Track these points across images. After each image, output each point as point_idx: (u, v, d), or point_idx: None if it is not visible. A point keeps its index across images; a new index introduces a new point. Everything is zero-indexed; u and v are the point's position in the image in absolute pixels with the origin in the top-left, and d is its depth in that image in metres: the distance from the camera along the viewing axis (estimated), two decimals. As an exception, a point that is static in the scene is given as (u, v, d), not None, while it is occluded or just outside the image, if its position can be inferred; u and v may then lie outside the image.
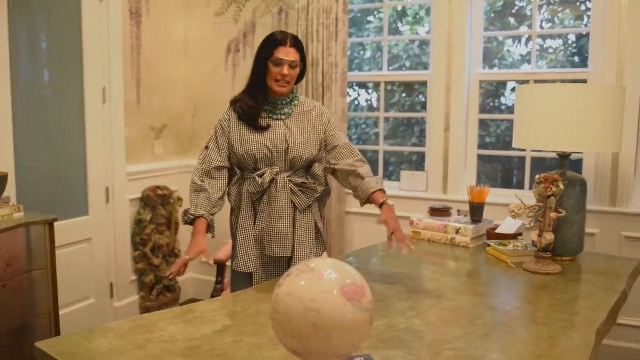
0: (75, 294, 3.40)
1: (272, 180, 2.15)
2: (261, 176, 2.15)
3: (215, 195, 2.15)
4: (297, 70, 2.17)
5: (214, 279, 2.99)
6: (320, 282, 1.10)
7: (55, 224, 3.15)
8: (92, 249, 3.50)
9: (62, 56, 3.31)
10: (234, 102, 2.23)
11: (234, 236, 2.27)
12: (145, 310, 3.84)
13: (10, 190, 2.93)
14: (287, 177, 2.17)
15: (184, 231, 4.20)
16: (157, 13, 3.90)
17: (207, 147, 2.24)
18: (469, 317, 1.74)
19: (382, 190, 2.17)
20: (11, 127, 2.96)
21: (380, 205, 2.14)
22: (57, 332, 2.58)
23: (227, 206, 2.26)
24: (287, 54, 2.13)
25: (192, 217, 2.10)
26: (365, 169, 2.22)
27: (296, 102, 2.25)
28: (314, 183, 2.23)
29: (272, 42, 2.15)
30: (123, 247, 3.71)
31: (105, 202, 3.58)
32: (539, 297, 1.94)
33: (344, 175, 2.23)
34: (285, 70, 2.12)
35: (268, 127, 2.17)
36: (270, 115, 2.20)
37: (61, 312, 3.26)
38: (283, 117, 2.21)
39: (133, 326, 1.65)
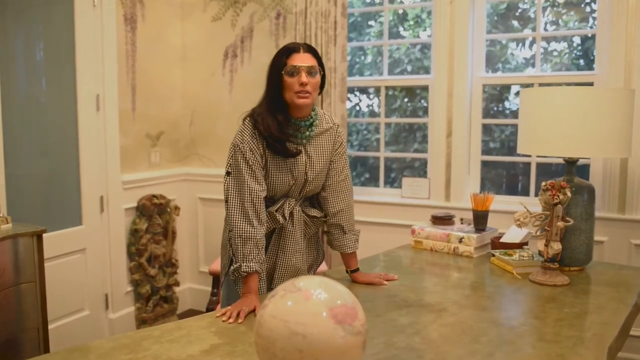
0: (68, 306, 3.32)
1: (290, 214, 2.00)
2: (277, 210, 1.98)
3: (263, 239, 1.91)
4: (317, 78, 1.90)
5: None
6: (307, 303, 1.01)
7: (48, 234, 3.07)
8: (86, 259, 3.41)
9: (55, 63, 3.25)
10: (254, 122, 1.91)
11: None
12: (141, 321, 3.75)
13: (0, 200, 2.86)
14: (301, 209, 2.04)
15: (181, 241, 4.11)
16: (153, 18, 3.83)
17: (228, 173, 1.92)
18: (472, 333, 1.64)
19: (354, 252, 2.14)
20: (1, 135, 2.88)
21: (354, 270, 2.13)
22: (46, 347, 2.50)
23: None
24: (302, 59, 1.87)
25: (245, 273, 1.85)
26: (349, 218, 2.11)
27: (316, 121, 2.00)
28: (325, 216, 2.11)
29: (284, 52, 1.90)
30: (118, 258, 3.62)
31: (100, 212, 3.49)
32: (547, 311, 1.84)
33: (330, 216, 2.10)
34: (304, 77, 1.85)
35: (297, 153, 1.94)
36: (292, 139, 1.95)
37: (54, 325, 3.19)
38: (304, 142, 1.98)
39: (116, 345, 1.56)
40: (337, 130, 2.08)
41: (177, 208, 3.97)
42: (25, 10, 3.07)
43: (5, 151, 2.92)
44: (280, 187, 1.97)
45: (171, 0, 4.00)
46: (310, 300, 1.01)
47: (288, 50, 1.90)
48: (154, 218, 3.79)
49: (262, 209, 1.91)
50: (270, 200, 2.00)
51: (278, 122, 1.90)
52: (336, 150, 2.07)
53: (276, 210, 1.97)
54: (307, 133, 1.97)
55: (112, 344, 1.58)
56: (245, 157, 1.89)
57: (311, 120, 1.98)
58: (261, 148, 1.91)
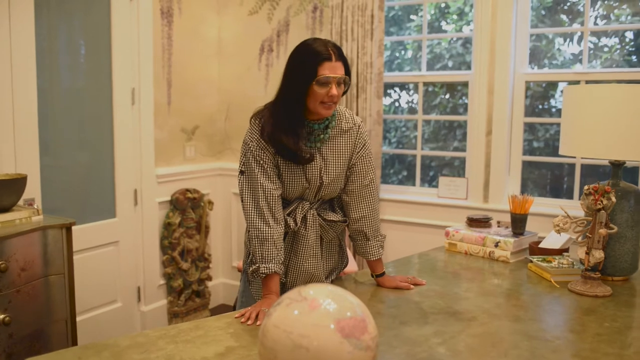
0: (101, 297, 3.35)
1: (303, 218, 1.90)
2: (289, 214, 1.88)
3: (281, 238, 1.83)
4: (343, 88, 1.78)
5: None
6: (312, 314, 0.94)
7: (82, 225, 3.12)
8: (119, 252, 3.44)
9: (91, 56, 3.27)
10: (262, 128, 1.81)
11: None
12: (173, 315, 3.76)
13: (36, 192, 2.90)
14: (317, 212, 1.93)
15: (214, 235, 4.11)
16: (189, 12, 3.82)
17: (242, 172, 1.85)
18: (502, 346, 1.54)
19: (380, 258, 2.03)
20: (37, 127, 2.92)
21: (379, 275, 2.02)
22: (74, 339, 2.51)
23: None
24: (334, 70, 1.72)
25: (264, 274, 1.80)
26: (373, 225, 1.98)
27: (333, 122, 1.87)
28: (344, 220, 2.00)
29: (315, 57, 1.72)
30: (151, 251, 3.64)
31: (134, 205, 3.51)
32: (585, 324, 1.72)
33: (352, 222, 1.98)
34: (334, 90, 1.72)
35: (309, 160, 1.82)
36: (305, 142, 1.83)
37: (86, 315, 3.22)
38: (319, 145, 1.86)
39: (131, 344, 1.53)
40: (358, 131, 1.94)
41: (210, 202, 3.97)
42: (66, 2, 3.10)
43: (43, 143, 2.96)
44: (294, 190, 1.88)
45: (208, -6, 3.99)
46: (316, 311, 0.94)
47: (319, 57, 1.72)
48: (187, 212, 3.80)
49: (278, 207, 1.83)
50: (284, 202, 1.91)
51: (296, 134, 1.78)
52: (357, 152, 1.93)
53: (288, 214, 1.89)
54: (321, 136, 1.86)
55: (128, 341, 1.55)
56: (256, 156, 1.82)
57: (326, 122, 1.84)
58: (272, 147, 1.82)
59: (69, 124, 3.17)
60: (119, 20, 3.32)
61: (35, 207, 2.54)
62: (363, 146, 1.94)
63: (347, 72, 1.80)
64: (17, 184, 2.42)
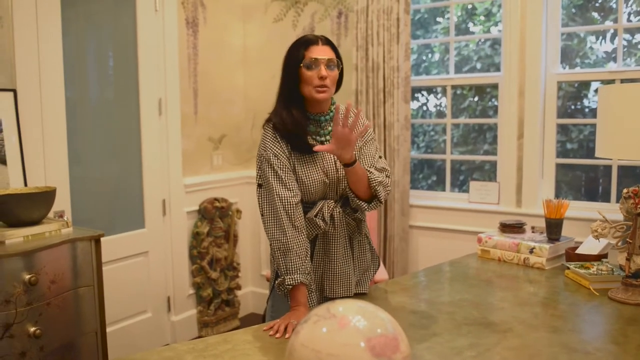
0: (131, 308, 3.36)
1: (330, 217, 1.88)
2: (317, 214, 1.85)
3: (303, 247, 1.80)
4: (336, 72, 1.82)
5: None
6: (341, 333, 0.90)
7: (111, 236, 3.14)
8: (149, 262, 3.45)
9: (118, 67, 3.29)
10: (273, 125, 1.84)
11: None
12: (203, 324, 3.76)
13: (65, 204, 2.92)
14: (342, 210, 1.90)
15: (243, 244, 4.09)
16: (214, 21, 3.83)
17: (260, 185, 1.85)
18: (540, 359, 1.48)
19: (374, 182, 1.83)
20: (65, 139, 2.94)
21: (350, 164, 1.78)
22: (104, 351, 2.51)
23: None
24: (321, 52, 1.78)
25: (290, 286, 1.77)
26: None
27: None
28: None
29: (301, 43, 1.81)
30: (180, 261, 3.64)
31: (162, 215, 3.52)
32: (627, 334, 1.64)
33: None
34: (323, 70, 1.76)
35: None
36: (315, 137, 1.86)
37: (117, 326, 3.23)
38: (329, 137, 1.86)
39: (159, 359, 1.51)
40: (358, 115, 1.94)
41: (238, 211, 3.96)
42: (95, 15, 3.13)
43: (72, 155, 2.98)
44: (315, 189, 1.86)
45: (233, 3, 3.99)
46: (345, 329, 0.90)
47: (306, 42, 1.80)
48: (215, 221, 3.79)
49: (298, 215, 1.80)
50: (309, 205, 1.89)
51: (293, 116, 1.80)
52: (362, 137, 1.92)
53: (315, 215, 1.86)
54: (330, 128, 1.87)
55: (156, 356, 1.53)
56: (271, 164, 1.81)
57: (331, 114, 1.87)
58: (286, 151, 1.83)
59: (97, 135, 3.20)
60: (145, 31, 3.34)
61: (65, 219, 2.55)
62: (367, 132, 1.94)
63: (339, 60, 1.83)
64: (47, 196, 2.43)
